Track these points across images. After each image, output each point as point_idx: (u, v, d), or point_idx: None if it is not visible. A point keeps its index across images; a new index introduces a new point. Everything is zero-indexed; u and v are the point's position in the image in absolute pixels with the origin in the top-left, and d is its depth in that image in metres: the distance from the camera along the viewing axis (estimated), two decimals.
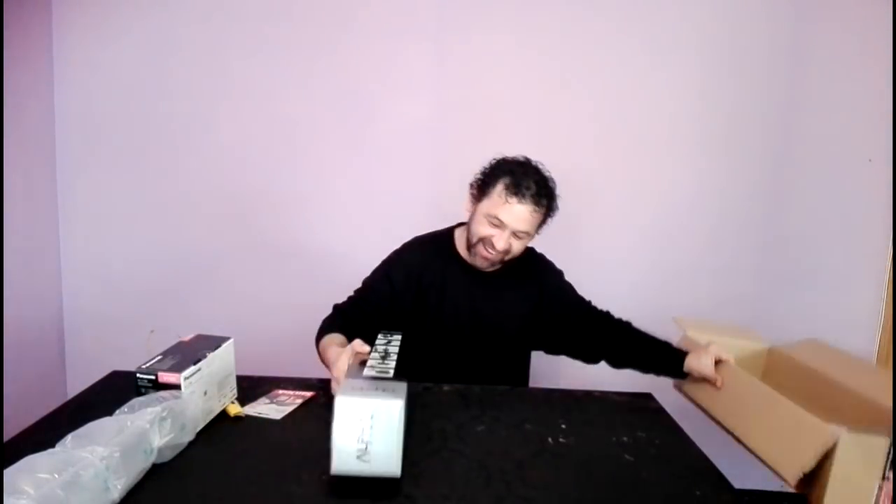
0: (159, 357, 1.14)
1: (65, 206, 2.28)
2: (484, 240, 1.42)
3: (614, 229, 2.28)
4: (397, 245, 2.35)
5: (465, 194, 2.38)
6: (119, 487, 0.88)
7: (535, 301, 1.54)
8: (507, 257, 1.44)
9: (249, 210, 2.29)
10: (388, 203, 2.27)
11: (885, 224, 2.21)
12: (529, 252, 1.55)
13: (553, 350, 1.60)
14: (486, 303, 1.50)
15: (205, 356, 1.15)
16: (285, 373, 1.44)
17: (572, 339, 1.56)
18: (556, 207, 1.47)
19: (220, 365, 1.20)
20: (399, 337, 1.31)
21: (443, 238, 1.56)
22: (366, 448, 0.89)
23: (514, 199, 1.38)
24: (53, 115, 2.23)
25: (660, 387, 1.47)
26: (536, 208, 1.39)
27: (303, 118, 2.24)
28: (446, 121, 2.23)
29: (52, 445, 0.88)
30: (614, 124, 2.23)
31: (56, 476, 0.79)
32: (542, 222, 1.45)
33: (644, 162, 2.24)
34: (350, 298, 1.57)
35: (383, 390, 0.93)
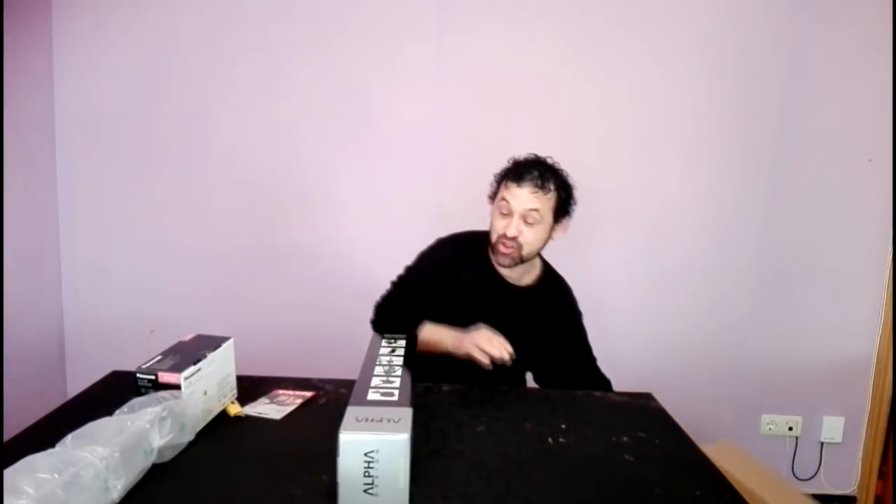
0: (159, 357, 1.14)
1: (65, 206, 2.28)
2: (499, 234, 1.45)
3: (614, 228, 2.28)
4: (397, 244, 2.36)
5: (465, 193, 2.38)
6: (119, 487, 0.88)
7: (544, 327, 1.53)
8: (524, 252, 1.44)
9: (249, 210, 2.28)
10: (388, 202, 2.27)
11: (885, 224, 2.21)
12: (559, 283, 1.59)
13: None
14: (503, 312, 1.49)
15: (205, 356, 1.15)
16: (285, 373, 1.44)
17: (546, 367, 1.57)
18: (572, 197, 1.49)
19: (220, 365, 1.20)
20: (403, 342, 1.31)
21: (479, 239, 1.56)
22: (372, 482, 0.88)
23: (514, 183, 1.44)
24: (53, 116, 2.23)
25: (660, 387, 1.47)
26: (539, 190, 1.42)
27: (303, 118, 2.24)
28: (447, 120, 2.23)
29: (52, 445, 0.88)
30: (614, 124, 2.23)
31: (56, 476, 0.79)
32: (558, 210, 1.46)
33: (644, 161, 2.24)
34: (395, 285, 1.58)
35: (388, 420, 0.92)
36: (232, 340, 1.25)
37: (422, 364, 1.32)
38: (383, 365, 1.17)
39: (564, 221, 1.50)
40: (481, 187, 2.24)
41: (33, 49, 2.14)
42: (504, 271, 1.51)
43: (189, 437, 1.05)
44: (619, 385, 1.54)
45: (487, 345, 1.33)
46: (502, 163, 2.24)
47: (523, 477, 1.03)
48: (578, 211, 2.21)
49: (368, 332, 1.45)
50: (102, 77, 2.22)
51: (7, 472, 0.78)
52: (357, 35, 2.19)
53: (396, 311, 1.49)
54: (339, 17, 2.19)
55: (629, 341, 2.28)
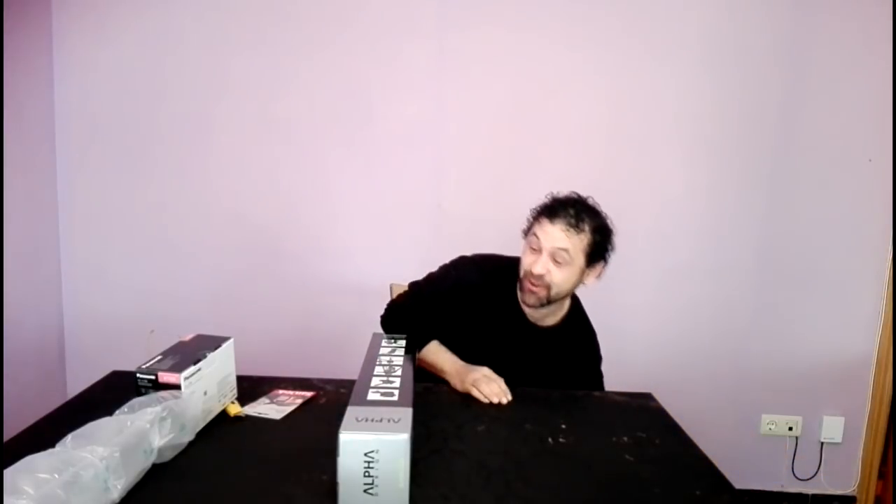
0: (159, 357, 1.14)
1: (65, 206, 2.28)
2: (527, 271, 1.39)
3: (614, 228, 2.27)
4: (397, 244, 2.36)
5: (465, 193, 2.39)
6: (119, 487, 0.88)
7: (559, 371, 1.48)
8: (552, 293, 1.38)
9: (249, 210, 2.29)
10: (388, 202, 2.27)
11: (885, 224, 2.21)
12: (583, 327, 1.52)
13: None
14: (517, 351, 1.45)
15: (205, 356, 1.15)
16: (285, 373, 1.43)
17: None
18: (610, 242, 1.42)
19: (220, 365, 1.20)
20: (403, 342, 1.31)
21: (506, 269, 1.48)
22: (372, 482, 0.88)
23: (547, 219, 1.38)
24: (53, 115, 2.23)
25: (660, 387, 1.47)
26: (571, 228, 1.35)
27: (303, 118, 2.24)
28: (446, 120, 2.23)
29: (52, 445, 0.88)
30: (614, 124, 2.23)
31: (56, 476, 0.79)
32: (591, 253, 1.39)
33: (644, 161, 2.24)
34: (411, 291, 1.54)
35: (388, 420, 0.92)
36: (232, 340, 1.24)
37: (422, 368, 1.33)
38: (383, 365, 1.17)
39: (598, 267, 1.43)
40: (481, 187, 2.26)
41: (33, 49, 2.14)
42: (526, 309, 1.45)
43: (189, 437, 1.05)
44: (619, 385, 1.53)
45: (486, 388, 1.32)
46: (502, 163, 2.26)
47: (523, 477, 1.03)
48: None
49: (368, 332, 1.45)
50: (102, 77, 2.22)
51: (7, 472, 0.78)
52: (357, 34, 2.19)
53: (405, 320, 1.45)
54: (339, 17, 2.19)
55: (629, 341, 2.28)
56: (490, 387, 1.32)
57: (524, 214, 2.22)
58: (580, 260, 1.38)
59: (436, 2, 2.17)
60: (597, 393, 1.44)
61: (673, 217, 2.26)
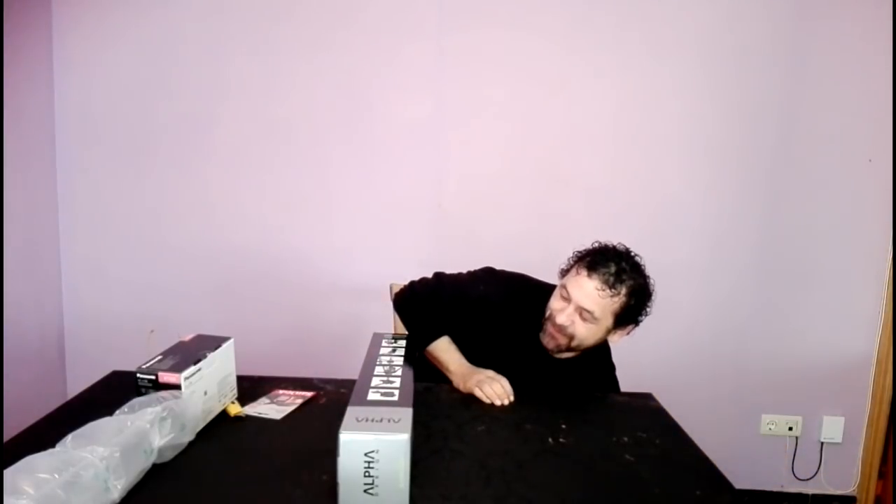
0: (159, 357, 1.14)
1: (65, 206, 2.28)
2: (551, 315, 1.36)
3: (614, 228, 2.26)
4: (397, 244, 2.36)
5: (465, 193, 2.39)
6: (119, 487, 0.88)
7: (572, 389, 1.44)
8: (573, 343, 1.34)
9: (249, 210, 2.29)
10: (388, 202, 2.27)
11: (885, 224, 2.21)
12: (599, 352, 1.45)
13: None
14: (530, 374, 1.41)
15: (205, 356, 1.15)
16: (285, 373, 1.43)
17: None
18: (645, 306, 1.37)
19: (220, 365, 1.20)
20: (403, 342, 1.31)
21: (536, 295, 1.43)
22: (372, 482, 0.88)
23: (584, 272, 1.32)
24: (53, 115, 2.23)
25: (660, 387, 1.47)
26: (606, 288, 1.29)
27: (303, 118, 2.24)
28: (446, 120, 2.23)
29: (52, 445, 0.88)
30: (614, 124, 2.23)
31: (56, 476, 0.79)
32: (621, 315, 1.33)
33: (644, 162, 2.24)
34: (446, 279, 1.49)
35: (388, 420, 0.91)
36: (232, 340, 1.24)
37: (422, 365, 1.32)
38: (383, 365, 1.17)
39: (628, 328, 1.38)
40: (481, 187, 2.26)
41: (33, 49, 2.14)
42: (543, 340, 1.40)
43: (189, 437, 1.05)
44: (620, 385, 1.53)
45: (489, 389, 1.31)
46: (502, 163, 2.26)
47: (523, 477, 1.03)
48: (578, 210, 2.24)
49: (368, 332, 1.45)
50: (102, 77, 2.22)
51: (7, 472, 0.78)
52: (357, 34, 2.19)
53: (423, 307, 1.42)
54: (339, 17, 2.19)
55: (629, 341, 2.28)
56: (493, 387, 1.32)
57: (524, 215, 2.25)
58: (608, 320, 1.33)
59: (436, 2, 2.17)
60: (597, 392, 1.44)
61: (673, 217, 2.26)
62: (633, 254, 1.40)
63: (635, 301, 1.34)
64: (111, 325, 2.31)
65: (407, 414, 0.94)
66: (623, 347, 2.22)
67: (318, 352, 2.21)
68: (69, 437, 0.90)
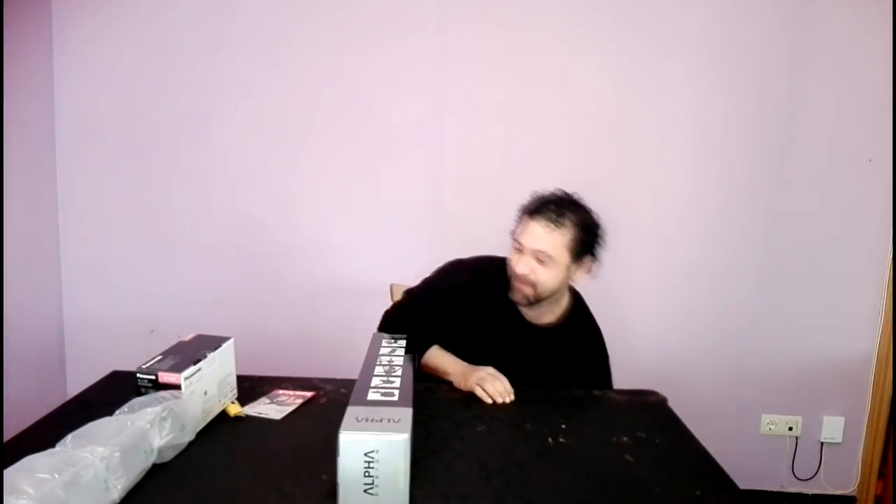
0: (159, 357, 1.14)
1: (65, 206, 2.28)
2: (512, 270, 1.39)
3: (614, 229, 2.27)
4: (397, 244, 2.36)
5: (465, 193, 2.39)
6: (119, 487, 0.88)
7: (563, 370, 1.47)
8: (538, 290, 1.37)
9: (249, 209, 2.29)
10: (388, 202, 2.27)
11: (885, 224, 2.21)
12: (586, 323, 1.50)
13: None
14: (518, 351, 1.44)
15: (205, 356, 1.15)
16: (285, 373, 1.44)
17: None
18: (597, 237, 1.40)
19: (220, 365, 1.20)
20: (403, 342, 1.31)
21: (500, 269, 1.46)
22: (372, 482, 0.88)
23: (528, 219, 1.37)
24: (53, 115, 2.23)
25: (660, 387, 1.46)
26: (551, 224, 1.34)
27: (303, 117, 2.24)
28: (446, 120, 2.23)
29: (52, 445, 0.88)
30: (614, 124, 2.22)
31: (56, 476, 0.79)
32: (575, 249, 1.36)
33: (644, 162, 2.24)
34: (414, 291, 1.53)
35: (388, 420, 0.92)
36: (232, 340, 1.25)
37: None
38: (383, 365, 1.17)
39: (587, 262, 1.41)
40: (481, 187, 2.26)
41: (33, 49, 2.14)
42: (522, 308, 1.45)
43: (189, 437, 1.05)
44: (620, 385, 1.54)
45: (490, 387, 1.32)
46: (502, 163, 2.26)
47: (523, 477, 1.03)
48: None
49: (368, 332, 1.45)
50: (102, 77, 2.22)
51: (7, 472, 0.78)
52: (356, 34, 2.19)
53: (405, 327, 1.43)
54: (339, 16, 2.19)
55: (629, 341, 2.28)
56: (494, 385, 1.32)
57: None
58: (564, 257, 1.36)
59: (435, 1, 2.17)
60: (597, 392, 1.44)
61: (673, 217, 2.26)
62: (571, 193, 1.43)
63: (584, 232, 1.38)
64: (111, 326, 2.31)
65: (407, 414, 0.94)
66: (623, 347, 2.23)
67: (318, 352, 2.21)
68: (69, 437, 0.90)
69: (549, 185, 2.22)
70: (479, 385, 1.33)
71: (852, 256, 2.25)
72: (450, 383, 1.42)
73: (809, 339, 2.30)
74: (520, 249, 1.37)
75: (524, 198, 2.33)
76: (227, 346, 1.23)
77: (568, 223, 1.35)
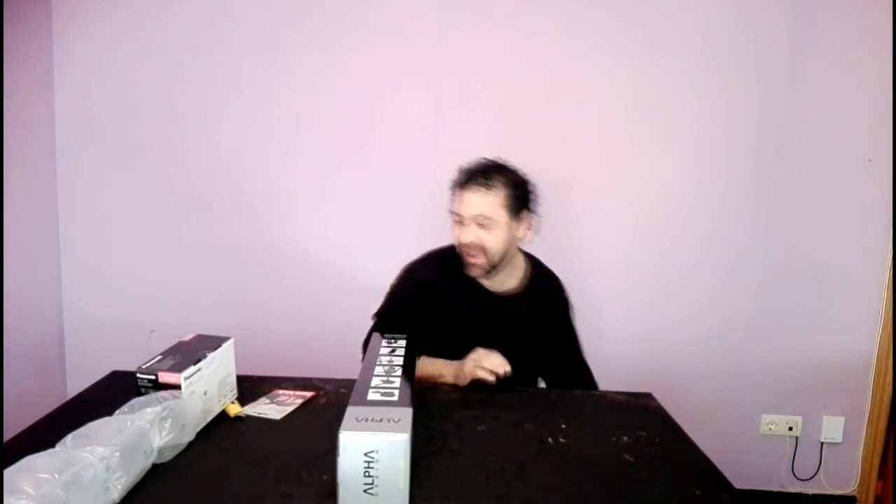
0: (159, 357, 1.14)
1: (65, 206, 2.28)
2: (459, 244, 1.43)
3: (614, 229, 2.28)
4: (397, 244, 2.35)
5: None
6: (119, 487, 0.88)
7: (535, 332, 1.52)
8: (489, 255, 1.41)
9: (249, 210, 2.28)
10: (388, 202, 2.27)
11: (885, 224, 2.21)
12: (547, 281, 1.55)
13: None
14: (490, 324, 1.47)
15: (205, 356, 1.15)
16: (285, 373, 1.44)
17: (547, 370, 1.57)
18: (529, 192, 1.45)
19: (220, 365, 1.20)
20: (403, 341, 1.31)
21: (452, 254, 1.51)
22: (372, 482, 0.88)
23: (460, 189, 1.43)
24: (53, 115, 2.23)
25: (660, 387, 1.47)
26: (482, 188, 1.40)
27: (303, 117, 2.24)
28: (447, 120, 2.23)
29: (52, 445, 0.88)
30: (614, 124, 2.22)
31: (56, 476, 0.79)
32: (511, 206, 1.41)
33: (644, 162, 2.24)
34: (381, 309, 1.56)
35: (388, 420, 0.92)
36: (232, 340, 1.25)
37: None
38: (383, 365, 1.17)
39: (525, 218, 1.45)
40: None
41: (33, 49, 2.14)
42: (483, 281, 1.47)
43: (189, 437, 1.05)
44: (619, 385, 1.53)
45: (488, 363, 1.33)
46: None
47: (523, 477, 1.03)
48: (578, 211, 2.24)
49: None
50: (102, 77, 2.22)
51: (7, 472, 0.78)
52: (357, 33, 2.19)
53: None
54: (339, 16, 2.19)
55: (629, 341, 2.28)
56: (490, 361, 1.34)
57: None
58: (502, 216, 1.40)
59: (436, 2, 2.17)
60: (596, 392, 1.44)
61: (673, 217, 2.26)
62: (494, 158, 1.48)
63: (515, 188, 1.42)
64: (111, 325, 2.31)
65: (407, 414, 0.94)
66: (624, 347, 2.24)
67: (318, 352, 2.21)
68: (69, 437, 0.90)
69: (547, 184, 2.23)
70: (477, 368, 1.34)
71: (852, 257, 2.25)
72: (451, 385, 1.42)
73: (809, 340, 2.30)
74: (460, 221, 1.42)
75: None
76: (227, 346, 1.23)
77: (498, 184, 1.41)
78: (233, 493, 0.95)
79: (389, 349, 1.27)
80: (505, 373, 1.33)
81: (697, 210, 2.26)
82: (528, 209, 1.46)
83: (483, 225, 1.39)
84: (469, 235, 1.39)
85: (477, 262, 1.41)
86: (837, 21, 2.13)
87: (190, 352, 1.16)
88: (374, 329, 1.51)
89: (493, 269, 1.44)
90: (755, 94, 2.18)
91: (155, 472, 0.97)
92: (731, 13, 2.15)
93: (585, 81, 2.20)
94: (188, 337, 1.24)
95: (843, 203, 2.23)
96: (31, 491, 0.75)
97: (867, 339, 2.29)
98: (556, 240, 2.24)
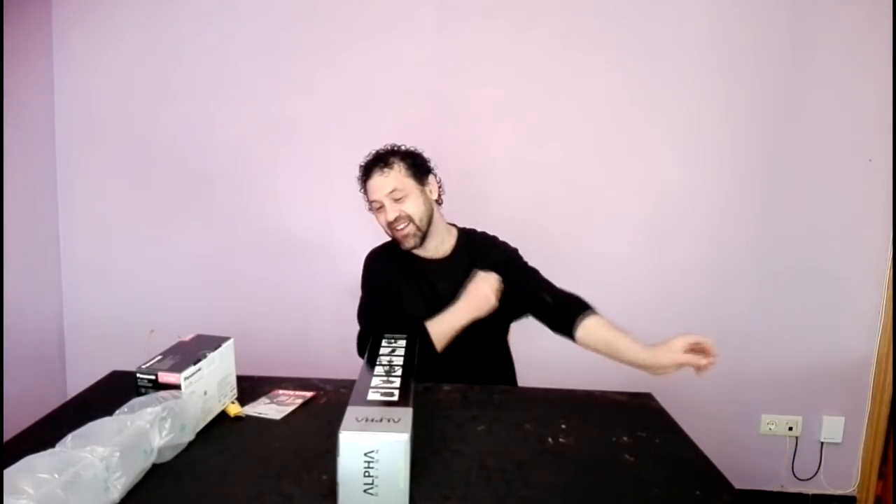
0: (159, 357, 1.14)
1: (65, 206, 2.29)
2: (387, 227, 1.52)
3: (613, 229, 2.28)
4: None
5: (464, 193, 2.38)
6: (119, 487, 0.88)
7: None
8: (415, 223, 1.50)
9: (249, 209, 2.29)
10: None
11: (885, 224, 2.21)
12: (478, 236, 1.66)
13: (516, 314, 1.61)
14: (446, 286, 1.53)
15: (205, 356, 1.15)
16: (285, 373, 1.44)
17: (523, 304, 1.57)
18: (422, 160, 1.57)
19: (220, 365, 1.20)
20: (403, 341, 1.31)
21: (390, 243, 1.62)
22: (372, 482, 0.88)
23: (366, 180, 1.54)
24: (53, 115, 2.23)
25: (660, 387, 1.47)
26: (384, 168, 1.51)
27: (302, 117, 2.24)
28: (446, 119, 2.22)
29: (52, 445, 0.88)
30: (614, 124, 2.22)
31: (56, 476, 0.79)
32: (415, 174, 1.52)
33: (643, 162, 2.24)
34: (362, 304, 1.58)
35: (388, 420, 0.92)
36: (232, 340, 1.25)
37: (423, 366, 1.32)
38: (383, 365, 1.17)
39: (430, 181, 1.56)
40: (481, 187, 2.26)
41: (33, 49, 2.14)
42: (420, 252, 1.56)
43: (189, 437, 1.05)
44: (619, 385, 1.53)
45: (492, 282, 1.46)
46: (502, 162, 2.26)
47: (523, 477, 1.03)
48: (578, 210, 2.24)
49: None
50: (102, 77, 2.22)
51: (7, 472, 0.78)
52: (356, 33, 2.19)
53: (386, 324, 1.45)
54: (338, 16, 2.19)
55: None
56: (489, 283, 1.46)
57: (524, 214, 2.25)
58: (411, 185, 1.52)
59: (436, 3, 2.17)
60: (597, 392, 1.44)
61: (673, 216, 2.26)
62: (382, 145, 1.59)
63: (411, 158, 1.56)
64: (111, 325, 2.31)
65: (407, 414, 0.94)
66: None
67: (318, 352, 2.21)
68: (69, 437, 0.90)
69: (547, 183, 2.24)
70: (490, 291, 1.45)
71: (852, 256, 2.25)
72: (452, 379, 1.43)
73: (809, 339, 2.30)
74: (378, 206, 1.52)
75: (524, 196, 2.35)
76: (227, 346, 1.23)
77: (394, 162, 1.53)
78: (233, 493, 0.95)
79: (389, 349, 1.27)
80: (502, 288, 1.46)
81: (697, 209, 2.26)
82: (429, 172, 1.58)
83: (398, 199, 1.49)
84: (392, 212, 1.49)
85: (407, 230, 1.50)
86: (838, 21, 2.13)
87: (190, 352, 1.16)
88: (365, 328, 1.50)
89: (424, 236, 1.53)
90: (755, 94, 2.18)
91: (155, 472, 0.97)
92: (732, 12, 2.15)
93: (585, 80, 2.21)
94: (188, 337, 1.24)
95: (843, 203, 2.23)
96: (31, 491, 0.75)
97: (867, 339, 2.29)
98: (556, 239, 2.25)
